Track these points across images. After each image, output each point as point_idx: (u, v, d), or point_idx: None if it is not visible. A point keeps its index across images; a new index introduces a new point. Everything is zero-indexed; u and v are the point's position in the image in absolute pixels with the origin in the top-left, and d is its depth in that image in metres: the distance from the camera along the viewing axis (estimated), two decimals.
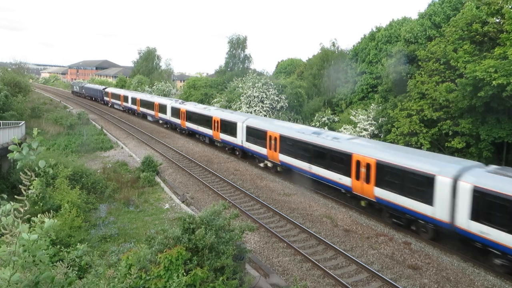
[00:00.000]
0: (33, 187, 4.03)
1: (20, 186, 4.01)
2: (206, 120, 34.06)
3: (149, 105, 48.77)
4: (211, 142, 34.78)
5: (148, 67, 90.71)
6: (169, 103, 42.80)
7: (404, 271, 14.02)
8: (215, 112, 33.97)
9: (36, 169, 4.04)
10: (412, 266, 14.33)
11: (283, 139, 24.10)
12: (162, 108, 44.30)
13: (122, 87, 79.15)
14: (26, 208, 3.88)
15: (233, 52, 66.76)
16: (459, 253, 15.23)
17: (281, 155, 24.32)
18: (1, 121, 26.68)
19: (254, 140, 26.94)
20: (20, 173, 3.96)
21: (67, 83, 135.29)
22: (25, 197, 3.90)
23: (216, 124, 32.28)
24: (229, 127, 30.29)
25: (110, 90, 68.30)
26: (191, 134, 38.82)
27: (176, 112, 40.81)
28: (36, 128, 4.48)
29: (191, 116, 37.21)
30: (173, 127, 43.28)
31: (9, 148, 3.93)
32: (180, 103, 41.34)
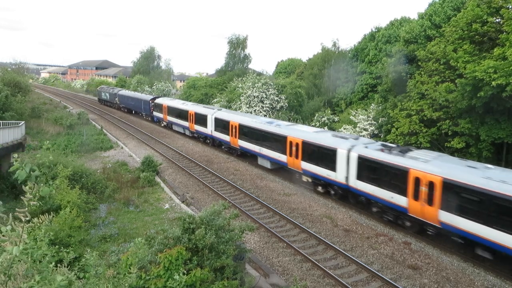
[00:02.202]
0: (41, 192, 4.10)
1: (22, 197, 4.10)
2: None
3: (265, 138, 25.82)
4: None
5: (148, 66, 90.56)
6: (346, 146, 19.53)
7: (404, 271, 14.03)
8: None
9: (37, 183, 4.13)
10: (412, 266, 14.34)
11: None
12: (321, 154, 20.95)
13: (122, 87, 76.86)
14: (27, 219, 3.96)
15: (233, 52, 66.78)
16: (459, 253, 15.24)
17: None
18: (1, 121, 26.67)
19: None
20: (23, 186, 4.05)
21: (67, 83, 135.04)
22: (26, 209, 3.98)
23: None
24: None
25: (166, 102, 43.85)
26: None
27: (380, 170, 17.56)
28: (48, 141, 4.64)
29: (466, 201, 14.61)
30: (369, 202, 18.93)
31: (10, 169, 4.01)
32: (389, 152, 17.84)
